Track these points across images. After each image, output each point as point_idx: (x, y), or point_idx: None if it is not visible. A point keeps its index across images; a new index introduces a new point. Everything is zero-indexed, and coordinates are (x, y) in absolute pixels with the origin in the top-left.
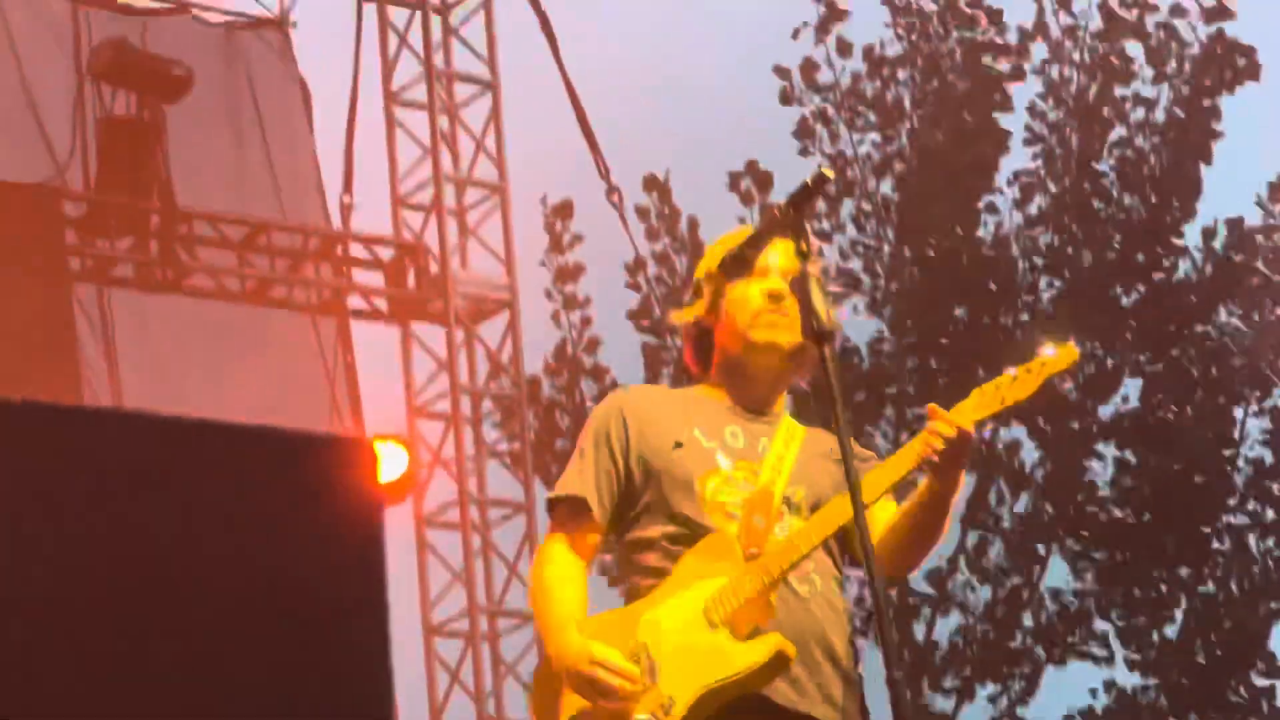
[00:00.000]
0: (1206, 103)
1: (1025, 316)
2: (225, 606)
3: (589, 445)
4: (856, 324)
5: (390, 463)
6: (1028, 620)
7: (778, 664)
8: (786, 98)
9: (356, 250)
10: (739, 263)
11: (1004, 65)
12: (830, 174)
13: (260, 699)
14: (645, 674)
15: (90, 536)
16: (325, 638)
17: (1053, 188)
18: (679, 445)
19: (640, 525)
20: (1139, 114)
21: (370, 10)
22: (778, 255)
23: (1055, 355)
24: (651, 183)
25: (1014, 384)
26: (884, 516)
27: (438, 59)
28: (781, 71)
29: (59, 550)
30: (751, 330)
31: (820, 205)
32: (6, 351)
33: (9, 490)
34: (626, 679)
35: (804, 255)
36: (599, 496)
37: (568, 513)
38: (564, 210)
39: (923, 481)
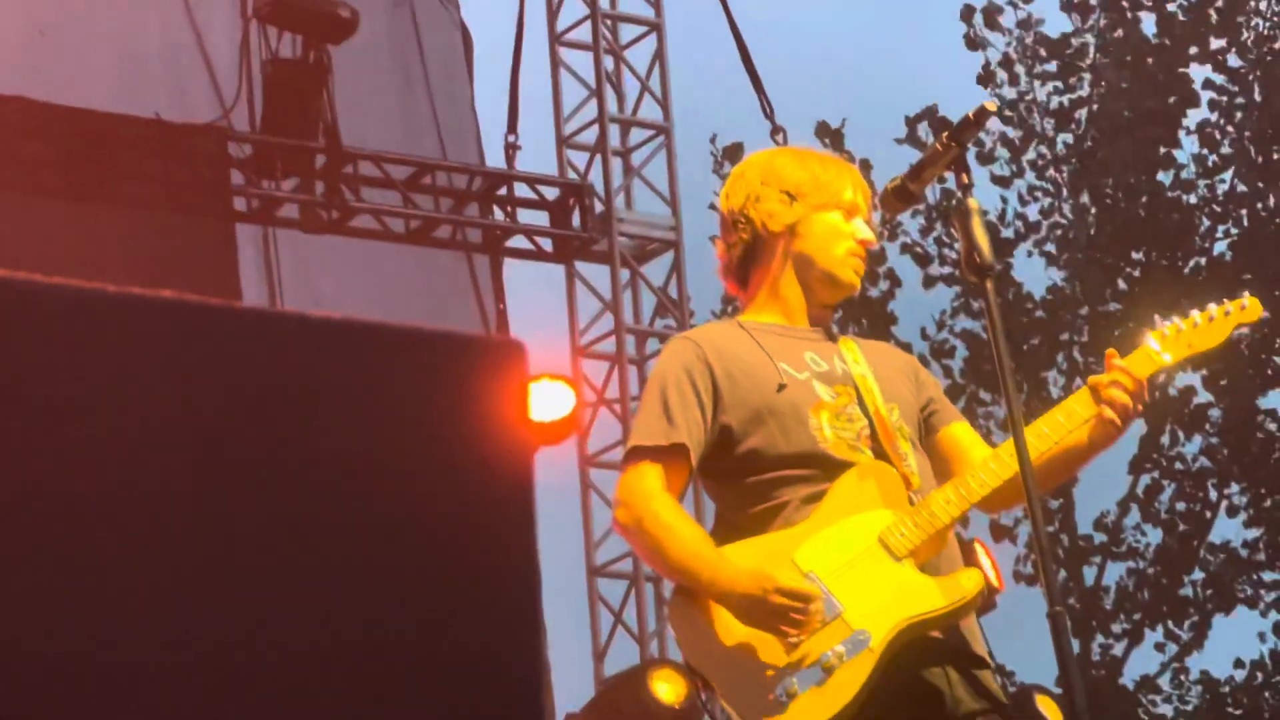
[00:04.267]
0: None
1: (1202, 261)
2: (354, 520)
3: (670, 391)
4: (1032, 270)
5: (555, 402)
6: (1198, 570)
7: (980, 600)
8: (971, 42)
9: (521, 190)
10: (901, 195)
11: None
12: (993, 107)
13: (393, 628)
14: (823, 605)
15: (225, 437)
16: (470, 562)
17: (1233, 134)
18: (783, 387)
19: (753, 470)
20: None
21: None
22: (864, 200)
23: (1245, 307)
24: (823, 129)
25: (1198, 331)
26: (979, 454)
27: (602, 0)
28: (966, 12)
29: (194, 449)
30: (840, 269)
31: (1002, 151)
32: (171, 291)
33: (143, 385)
34: (814, 608)
35: (965, 188)
36: (692, 444)
37: (648, 455)
38: (734, 152)
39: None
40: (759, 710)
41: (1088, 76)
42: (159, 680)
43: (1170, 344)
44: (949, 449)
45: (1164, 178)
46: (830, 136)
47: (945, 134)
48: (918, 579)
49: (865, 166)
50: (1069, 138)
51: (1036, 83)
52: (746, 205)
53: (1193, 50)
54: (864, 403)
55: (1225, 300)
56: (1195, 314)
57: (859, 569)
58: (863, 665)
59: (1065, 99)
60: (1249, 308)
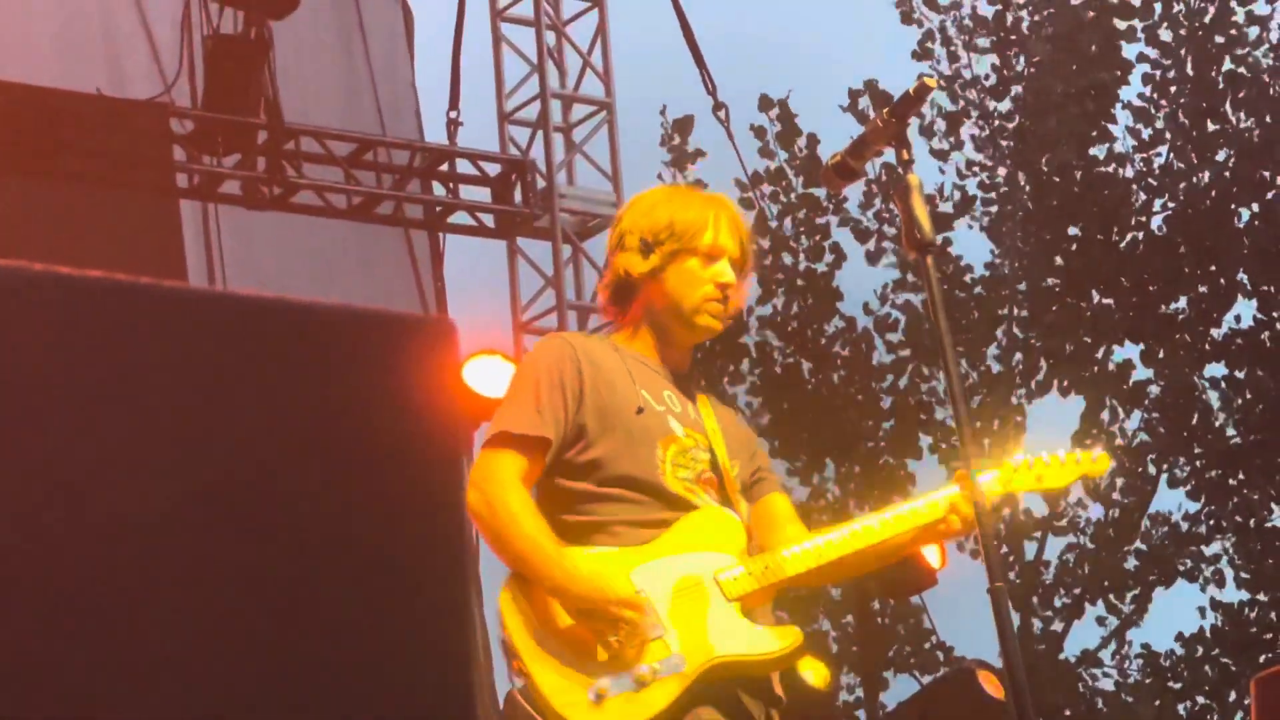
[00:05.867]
0: None
1: (1139, 236)
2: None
3: (542, 385)
4: (970, 244)
5: (497, 378)
6: (1139, 542)
7: (793, 657)
8: (907, 16)
9: (463, 166)
10: (842, 171)
11: None
12: (933, 83)
13: (324, 617)
14: (650, 622)
15: (148, 417)
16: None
17: (1166, 108)
18: (641, 410)
19: (588, 477)
20: (1254, 32)
21: None
22: (731, 238)
23: (1095, 459)
24: (766, 102)
25: (1049, 469)
26: (793, 528)
27: None
28: None
29: (119, 428)
30: (696, 315)
31: (940, 125)
32: (114, 268)
33: (68, 365)
34: (644, 623)
35: (906, 164)
36: (554, 439)
37: (510, 442)
38: (684, 125)
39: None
40: (570, 703)
41: (1023, 51)
42: (97, 658)
43: (1020, 477)
44: (763, 516)
45: (1098, 152)
46: (779, 108)
47: (886, 110)
48: (741, 623)
49: (813, 141)
50: (1005, 109)
51: (973, 56)
52: (615, 249)
53: (1123, 25)
54: (714, 453)
55: (1078, 450)
56: (1047, 455)
57: (690, 599)
58: (672, 686)
59: (1001, 73)
60: (1098, 461)
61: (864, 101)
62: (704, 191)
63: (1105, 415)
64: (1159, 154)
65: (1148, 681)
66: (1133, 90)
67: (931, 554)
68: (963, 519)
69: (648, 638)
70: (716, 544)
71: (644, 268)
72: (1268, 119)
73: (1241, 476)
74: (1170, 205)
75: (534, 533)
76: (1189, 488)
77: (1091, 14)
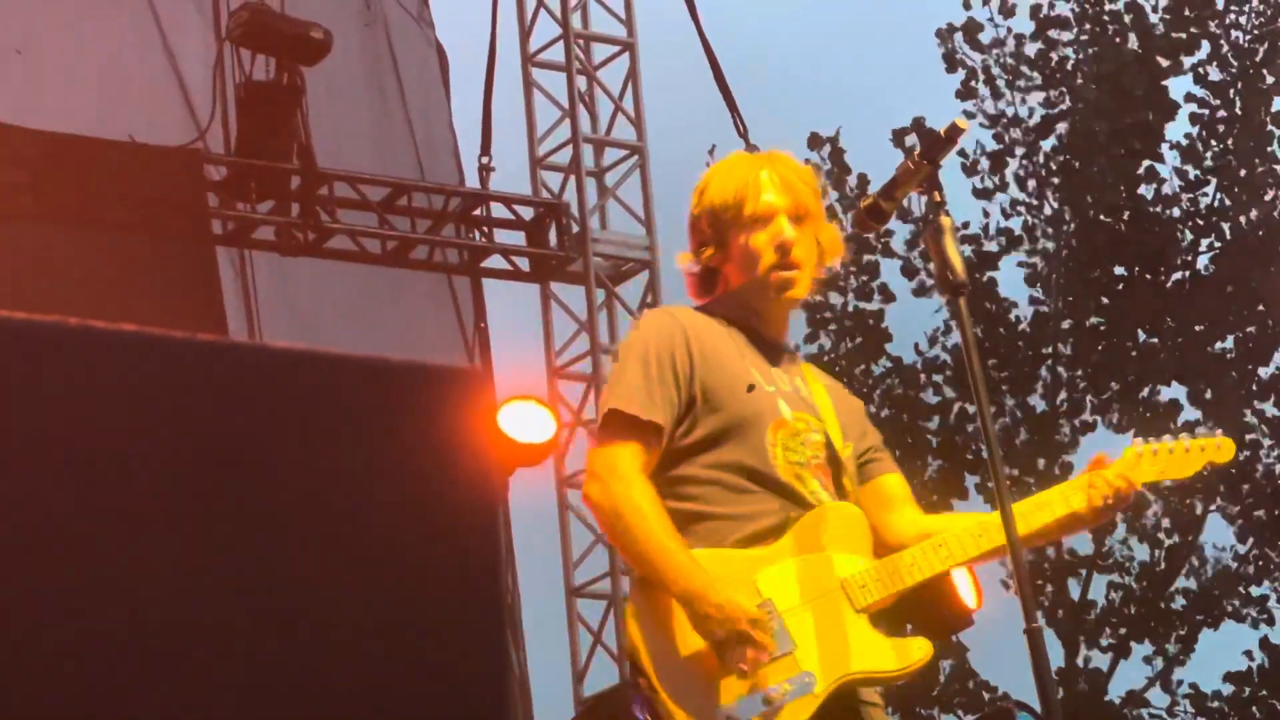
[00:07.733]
0: None
1: (1185, 275)
2: (316, 553)
3: (651, 363)
4: (1015, 284)
5: (533, 424)
6: (1185, 581)
7: (921, 670)
8: (950, 61)
9: (497, 210)
10: (875, 213)
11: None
12: (964, 125)
13: (360, 656)
14: (776, 637)
15: (185, 468)
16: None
17: (1215, 147)
18: (752, 388)
19: (693, 460)
20: None
21: None
22: (774, 193)
23: (1220, 446)
24: (815, 140)
25: (1173, 459)
26: (910, 510)
27: (575, 19)
28: (944, 33)
29: (157, 479)
30: (769, 288)
31: (984, 163)
32: (151, 315)
33: (110, 416)
34: (770, 646)
35: (937, 206)
36: (666, 426)
37: (627, 427)
38: None
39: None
40: None
41: (1068, 89)
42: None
43: (1145, 466)
44: (875, 498)
45: (1145, 191)
46: (829, 146)
47: (917, 152)
48: (872, 635)
49: (863, 181)
50: (1050, 147)
51: (1017, 96)
52: (690, 230)
53: (1167, 64)
54: (828, 435)
55: (1203, 434)
56: (1170, 441)
57: (818, 610)
58: (804, 708)
59: (1046, 112)
60: (1223, 448)
61: (911, 139)
62: (747, 155)
63: None
64: (1205, 194)
65: None
66: (1179, 129)
67: (968, 594)
68: (1117, 493)
69: (775, 654)
70: (842, 544)
71: (708, 253)
72: None
73: None
74: (1216, 244)
75: (662, 535)
76: (1237, 527)
77: (1134, 43)
